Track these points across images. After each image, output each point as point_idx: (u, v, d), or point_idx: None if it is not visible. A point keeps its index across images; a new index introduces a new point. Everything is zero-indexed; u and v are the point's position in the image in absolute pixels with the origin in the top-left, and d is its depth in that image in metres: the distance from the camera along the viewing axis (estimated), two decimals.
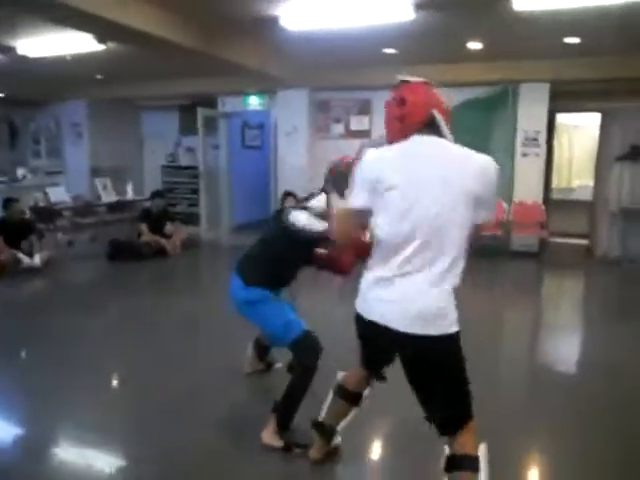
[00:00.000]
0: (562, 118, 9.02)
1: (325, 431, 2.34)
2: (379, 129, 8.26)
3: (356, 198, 1.83)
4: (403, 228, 1.71)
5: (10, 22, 5.39)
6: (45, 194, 7.14)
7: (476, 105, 7.52)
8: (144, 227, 7.36)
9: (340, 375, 2.30)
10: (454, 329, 1.76)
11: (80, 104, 9.28)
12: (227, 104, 9.08)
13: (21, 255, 6.16)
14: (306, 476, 2.40)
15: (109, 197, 8.00)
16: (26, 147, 10.01)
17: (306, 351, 2.53)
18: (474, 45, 6.20)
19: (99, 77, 8.26)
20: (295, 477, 2.44)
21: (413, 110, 1.82)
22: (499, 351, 4.32)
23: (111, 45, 6.00)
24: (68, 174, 9.38)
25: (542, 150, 7.43)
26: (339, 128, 8.45)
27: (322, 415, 2.34)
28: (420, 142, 1.80)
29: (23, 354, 4.12)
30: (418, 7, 4.73)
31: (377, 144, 1.94)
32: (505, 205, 7.42)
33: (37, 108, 9.61)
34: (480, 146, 7.49)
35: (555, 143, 8.87)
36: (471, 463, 1.76)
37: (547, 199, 7.94)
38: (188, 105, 9.38)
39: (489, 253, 7.24)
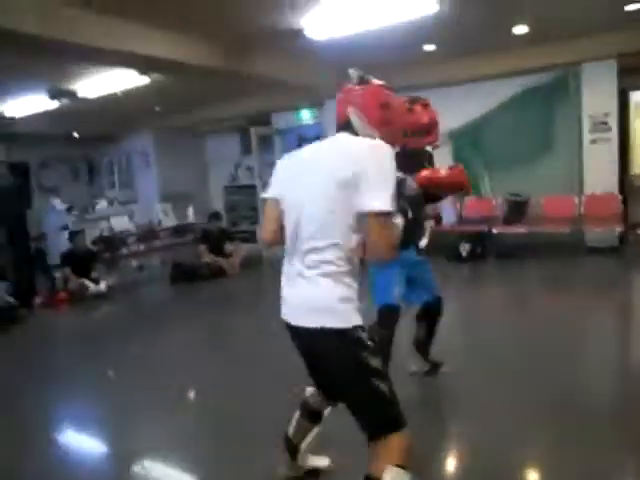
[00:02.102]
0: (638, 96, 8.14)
1: (289, 447, 2.17)
2: None
3: (270, 189, 1.90)
4: (289, 222, 1.75)
5: (65, 69, 5.82)
6: (109, 224, 7.58)
7: (534, 94, 7.01)
8: (204, 248, 7.56)
9: (308, 390, 2.15)
10: (343, 325, 1.63)
11: (146, 135, 9.81)
12: (280, 121, 9.17)
13: (87, 282, 6.55)
14: None
15: (170, 222, 8.33)
16: (103, 180, 10.75)
17: None
18: (519, 29, 5.77)
19: (158, 109, 8.68)
20: None
21: (336, 109, 1.88)
22: (587, 357, 3.81)
23: (154, 76, 6.28)
24: (140, 202, 9.93)
25: (614, 134, 6.73)
26: None
27: (289, 430, 2.19)
28: (323, 141, 1.82)
29: (95, 376, 4.18)
30: None
31: None
32: (575, 199, 6.82)
33: (110, 143, 10.29)
34: (542, 137, 6.95)
35: (631, 125, 8.02)
36: None
37: (626, 188, 7.17)
38: (246, 126, 9.60)
39: (562, 250, 6.69)
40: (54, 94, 6.90)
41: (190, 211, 8.79)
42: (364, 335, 1.66)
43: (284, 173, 1.85)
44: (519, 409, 2.82)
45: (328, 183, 1.64)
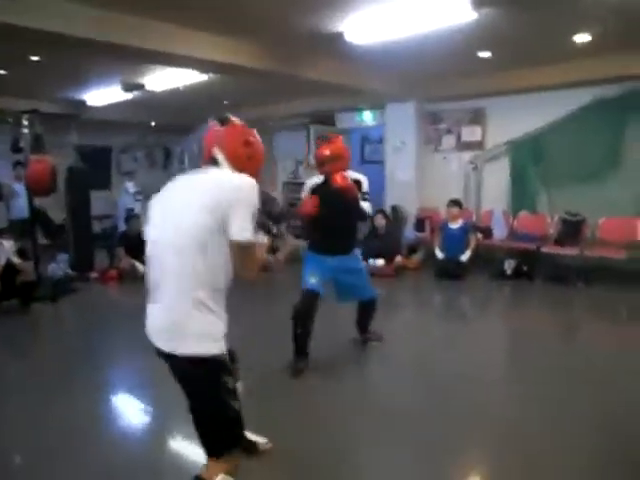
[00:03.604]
0: None
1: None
2: (493, 139, 7.79)
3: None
4: (154, 247, 1.88)
5: (135, 65, 6.26)
6: None
7: (603, 107, 6.49)
8: None
9: None
10: (200, 351, 1.77)
11: None
12: (344, 120, 9.20)
13: (138, 264, 7.01)
14: None
15: None
16: (174, 168, 11.38)
17: None
18: (583, 37, 5.38)
19: (226, 102, 9.03)
20: None
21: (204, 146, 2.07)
22: None
23: (212, 75, 6.58)
24: None
25: None
26: (450, 140, 7.99)
27: None
28: (190, 175, 1.96)
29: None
30: (477, 5, 4.31)
31: None
32: (638, 222, 6.27)
33: (183, 133, 10.85)
34: (609, 153, 6.50)
35: None
36: None
37: None
38: (310, 124, 9.73)
39: (617, 277, 6.17)
40: (126, 87, 7.44)
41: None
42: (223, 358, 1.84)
43: (157, 204, 1.95)
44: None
45: (195, 215, 1.78)
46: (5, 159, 7.45)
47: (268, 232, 2.09)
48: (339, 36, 5.18)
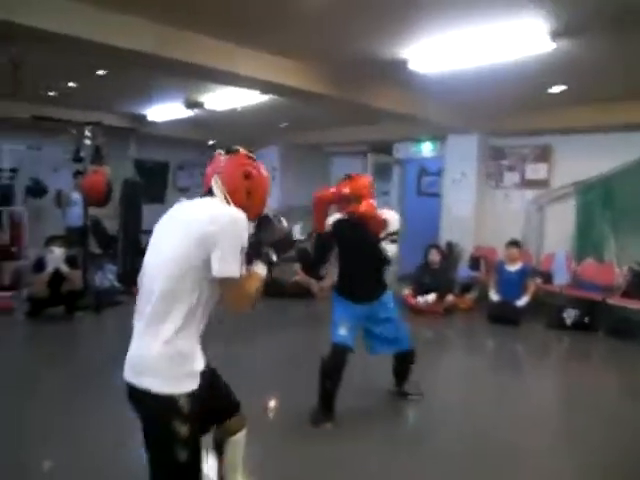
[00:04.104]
0: None
1: None
2: (560, 179, 7.37)
3: None
4: (143, 270, 1.83)
5: (197, 83, 6.29)
6: None
7: None
8: (298, 267, 7.64)
9: None
10: (155, 389, 1.67)
11: (274, 149, 10.26)
12: (401, 150, 8.98)
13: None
14: None
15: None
16: None
17: None
18: None
19: (283, 125, 9.02)
20: None
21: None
22: None
23: (272, 97, 6.54)
24: None
25: None
26: (513, 177, 7.61)
27: None
28: (186, 202, 1.92)
29: None
30: (556, 35, 4.03)
31: None
32: None
33: None
34: None
35: None
36: None
37: None
38: (368, 152, 9.57)
39: None
40: (188, 104, 7.53)
41: (297, 228, 8.92)
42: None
43: (156, 226, 1.93)
44: None
45: (182, 238, 1.74)
46: (68, 168, 7.66)
47: (267, 261, 1.95)
48: (403, 64, 4.99)
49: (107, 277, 7.04)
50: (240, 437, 2.14)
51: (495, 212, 7.73)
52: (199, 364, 1.75)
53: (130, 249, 6.83)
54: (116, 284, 7.02)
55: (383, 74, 5.49)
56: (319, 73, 5.46)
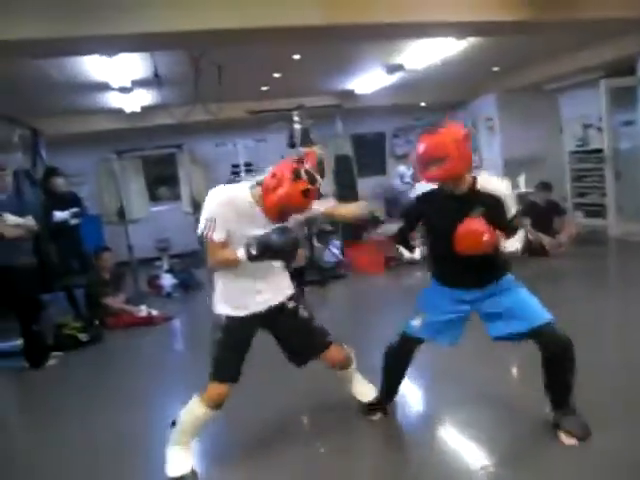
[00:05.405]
0: None
1: None
2: None
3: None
4: None
5: (392, 45, 6.13)
6: None
7: None
8: (526, 222, 6.90)
9: None
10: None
11: (490, 98, 9.39)
12: None
13: (402, 249, 6.91)
14: None
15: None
16: None
17: None
18: None
19: (496, 69, 8.17)
20: None
21: None
22: None
23: (471, 41, 5.96)
24: (483, 167, 9.64)
25: None
26: None
27: None
28: None
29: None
30: None
31: None
32: None
33: (456, 110, 10.28)
34: None
35: None
36: None
37: None
38: (602, 77, 8.02)
39: None
40: (388, 69, 7.37)
41: (522, 180, 8.04)
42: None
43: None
44: None
45: None
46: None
47: (247, 252, 2.30)
48: None
49: (333, 253, 7.39)
50: (342, 373, 2.87)
51: None
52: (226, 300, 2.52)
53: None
54: (342, 258, 7.34)
55: None
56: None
